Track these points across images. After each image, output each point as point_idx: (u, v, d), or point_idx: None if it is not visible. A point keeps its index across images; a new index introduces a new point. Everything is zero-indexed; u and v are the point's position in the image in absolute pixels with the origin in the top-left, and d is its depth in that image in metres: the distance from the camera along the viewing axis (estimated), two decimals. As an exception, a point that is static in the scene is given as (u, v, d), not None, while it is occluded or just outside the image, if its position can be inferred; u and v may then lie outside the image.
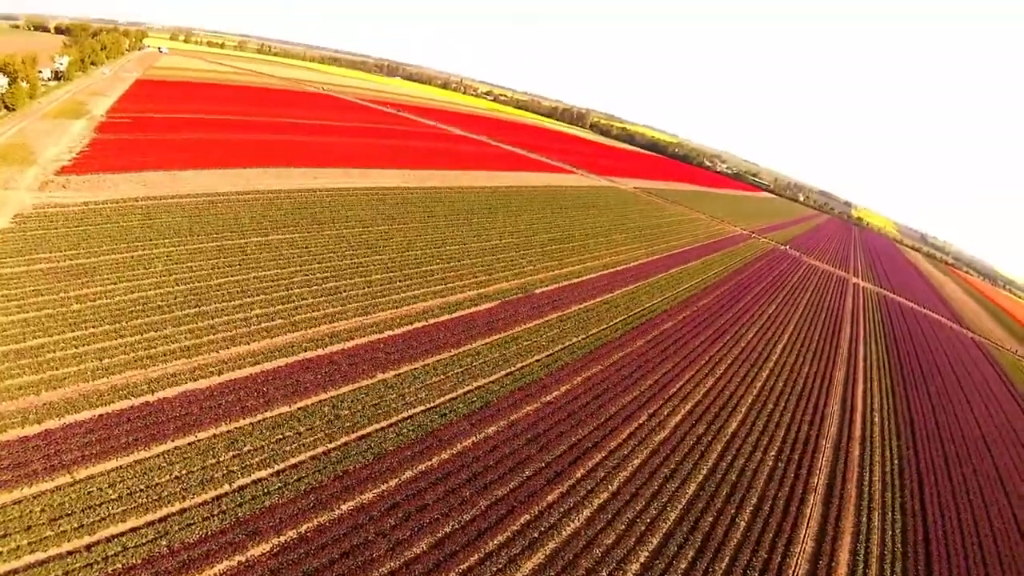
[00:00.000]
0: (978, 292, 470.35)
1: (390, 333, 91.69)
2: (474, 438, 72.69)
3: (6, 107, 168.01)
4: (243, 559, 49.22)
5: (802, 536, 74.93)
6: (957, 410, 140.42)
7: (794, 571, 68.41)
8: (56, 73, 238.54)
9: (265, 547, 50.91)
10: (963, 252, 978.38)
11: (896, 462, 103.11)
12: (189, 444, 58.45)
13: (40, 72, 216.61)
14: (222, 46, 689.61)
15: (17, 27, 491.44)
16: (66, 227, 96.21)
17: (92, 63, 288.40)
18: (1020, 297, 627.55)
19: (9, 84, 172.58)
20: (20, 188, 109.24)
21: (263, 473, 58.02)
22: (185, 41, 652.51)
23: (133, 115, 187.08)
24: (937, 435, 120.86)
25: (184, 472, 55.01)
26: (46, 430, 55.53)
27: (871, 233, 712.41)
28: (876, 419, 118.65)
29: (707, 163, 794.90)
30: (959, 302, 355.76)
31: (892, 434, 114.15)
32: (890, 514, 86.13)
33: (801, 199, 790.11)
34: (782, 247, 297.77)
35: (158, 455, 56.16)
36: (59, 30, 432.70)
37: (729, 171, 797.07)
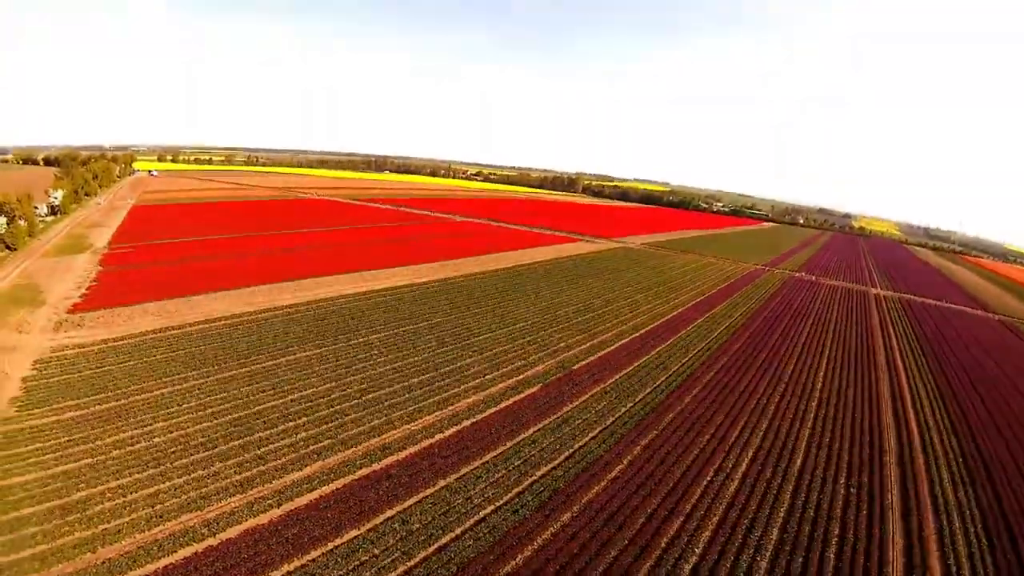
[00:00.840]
0: (993, 273, 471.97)
1: (440, 436, 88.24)
2: (552, 529, 69.18)
3: (7, 247, 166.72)
4: None
5: (891, 556, 73.33)
6: (1005, 394, 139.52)
7: None
8: (52, 208, 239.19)
9: None
10: (968, 237, 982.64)
11: (961, 461, 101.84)
12: (266, 587, 53.88)
13: (36, 208, 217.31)
14: (210, 161, 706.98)
15: (6, 161, 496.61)
16: (89, 369, 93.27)
17: (86, 194, 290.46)
18: None
19: (8, 223, 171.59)
20: (34, 331, 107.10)
21: (349, 607, 53.20)
22: (173, 161, 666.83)
23: (135, 244, 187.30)
24: (993, 424, 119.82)
25: (267, 620, 50.42)
26: None
27: (876, 240, 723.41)
28: (931, 423, 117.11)
29: (703, 205, 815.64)
30: (978, 288, 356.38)
31: (950, 434, 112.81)
32: (968, 513, 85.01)
33: (801, 222, 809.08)
34: (797, 274, 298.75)
35: (237, 605, 51.43)
36: (48, 162, 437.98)
37: (726, 209, 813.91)
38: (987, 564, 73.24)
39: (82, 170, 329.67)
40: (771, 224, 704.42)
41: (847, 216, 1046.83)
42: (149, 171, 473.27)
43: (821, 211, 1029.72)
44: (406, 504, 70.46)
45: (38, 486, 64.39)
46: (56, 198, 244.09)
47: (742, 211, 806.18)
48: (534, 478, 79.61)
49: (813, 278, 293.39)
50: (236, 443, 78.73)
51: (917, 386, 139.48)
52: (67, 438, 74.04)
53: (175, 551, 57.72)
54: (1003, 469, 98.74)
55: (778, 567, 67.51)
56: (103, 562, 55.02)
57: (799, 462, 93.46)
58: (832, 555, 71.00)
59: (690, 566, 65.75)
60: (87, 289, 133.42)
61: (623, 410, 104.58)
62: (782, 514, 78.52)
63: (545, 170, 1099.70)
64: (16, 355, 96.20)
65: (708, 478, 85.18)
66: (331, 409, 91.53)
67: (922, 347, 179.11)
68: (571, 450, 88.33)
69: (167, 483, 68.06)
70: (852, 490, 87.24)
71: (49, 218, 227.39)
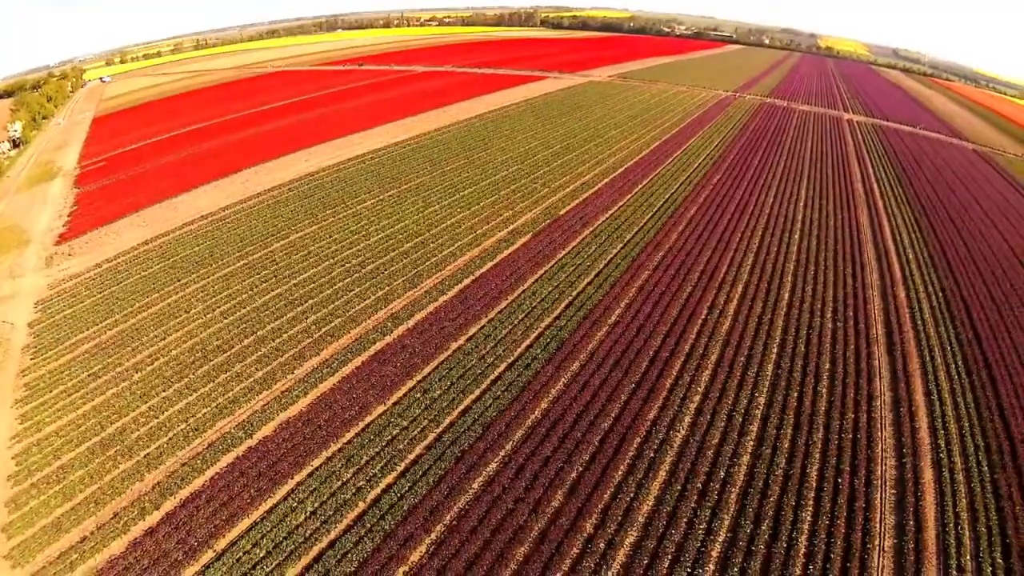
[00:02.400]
0: (966, 98, 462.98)
1: (444, 298, 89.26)
2: (563, 380, 71.76)
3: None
4: (407, 569, 48.48)
5: (879, 389, 75.95)
6: (981, 228, 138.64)
7: (881, 423, 70.02)
8: (14, 141, 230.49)
9: (422, 550, 50.49)
10: (938, 59, 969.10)
11: (941, 294, 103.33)
12: (309, 475, 57.14)
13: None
14: (158, 55, 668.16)
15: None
16: (90, 297, 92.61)
17: (44, 117, 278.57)
18: (1004, 93, 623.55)
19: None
20: (27, 272, 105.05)
21: (389, 479, 57.16)
22: (122, 62, 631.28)
23: (105, 156, 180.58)
24: (970, 258, 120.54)
25: (318, 505, 54.01)
26: (166, 514, 53.92)
27: (845, 61, 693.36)
28: (911, 256, 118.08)
29: (665, 29, 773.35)
30: (951, 114, 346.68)
31: (929, 267, 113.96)
32: (949, 348, 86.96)
33: (767, 42, 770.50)
34: (768, 100, 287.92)
35: (285, 496, 54.91)
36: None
37: (689, 32, 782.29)
38: (967, 399, 75.67)
39: (35, 95, 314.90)
40: (736, 46, 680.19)
41: (813, 36, 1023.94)
42: (101, 78, 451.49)
43: (786, 31, 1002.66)
44: (424, 372, 72.52)
45: (72, 429, 65.17)
46: (16, 130, 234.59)
47: (706, 33, 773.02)
48: (539, 330, 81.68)
49: (785, 103, 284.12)
50: (249, 340, 79.56)
51: (896, 218, 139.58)
52: (87, 373, 74.30)
53: (218, 460, 59.68)
54: (980, 305, 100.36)
55: (775, 403, 70.39)
56: (153, 487, 56.78)
57: (787, 296, 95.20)
58: (824, 389, 73.89)
59: (695, 406, 68.82)
60: (68, 216, 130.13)
61: (614, 252, 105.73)
62: (775, 350, 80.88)
63: (501, 7, 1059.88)
64: (16, 302, 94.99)
65: (702, 317, 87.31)
66: (334, 288, 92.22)
67: (899, 177, 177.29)
68: (570, 298, 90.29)
69: (194, 395, 69.32)
70: (839, 324, 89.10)
71: (13, 152, 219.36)
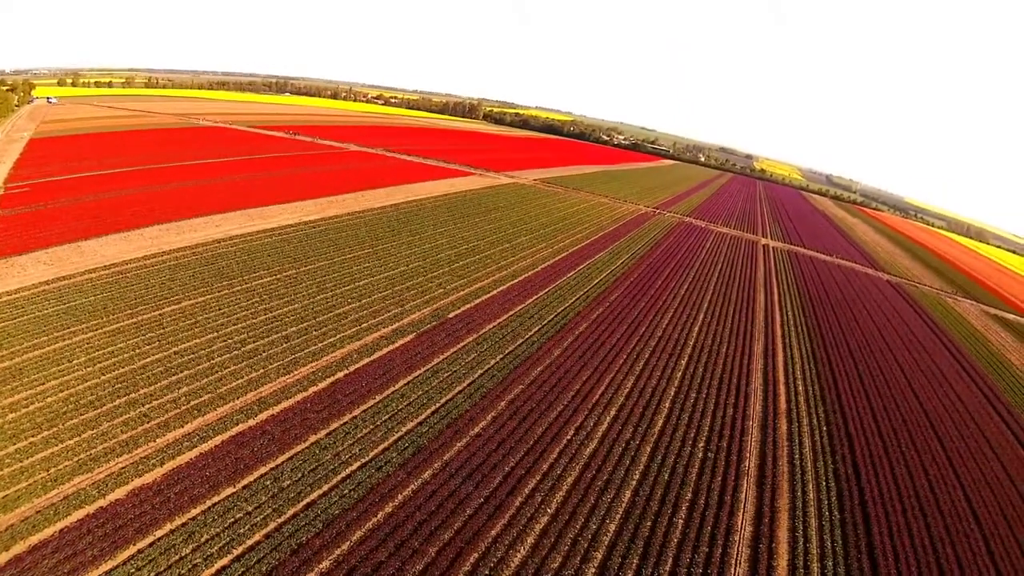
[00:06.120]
0: (891, 228, 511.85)
1: (314, 389, 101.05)
2: (412, 487, 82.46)
3: None
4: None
5: (740, 523, 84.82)
6: (880, 361, 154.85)
7: (736, 558, 78.54)
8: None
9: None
10: (870, 187, 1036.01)
11: (825, 428, 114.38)
12: (150, 545, 67.07)
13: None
14: (109, 84, 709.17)
15: None
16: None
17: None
18: (932, 224, 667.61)
19: None
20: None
21: (224, 561, 67.01)
22: (73, 84, 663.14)
23: (31, 183, 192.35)
24: (862, 391, 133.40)
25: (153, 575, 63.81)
26: (15, 556, 62.94)
27: (775, 185, 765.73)
28: (800, 388, 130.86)
29: (604, 137, 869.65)
30: (872, 244, 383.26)
31: (817, 400, 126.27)
32: (824, 483, 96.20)
33: (702, 159, 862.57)
34: (687, 219, 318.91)
35: (125, 561, 64.58)
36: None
37: (627, 142, 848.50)
38: (835, 536, 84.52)
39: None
40: (671, 161, 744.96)
41: (749, 157, 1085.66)
42: (48, 98, 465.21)
43: (723, 150, 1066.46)
44: (278, 461, 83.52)
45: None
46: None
47: (643, 145, 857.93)
48: (399, 434, 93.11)
49: (704, 224, 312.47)
50: (121, 400, 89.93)
51: (792, 347, 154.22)
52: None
53: (70, 514, 69.79)
54: (865, 441, 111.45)
55: (626, 531, 79.82)
56: (6, 529, 66.14)
57: (660, 422, 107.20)
58: (681, 520, 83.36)
59: (541, 526, 79.10)
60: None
61: (492, 362, 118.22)
62: (636, 476, 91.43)
63: (448, 94, 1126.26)
64: None
65: (568, 437, 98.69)
66: (211, 362, 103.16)
67: (803, 305, 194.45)
68: (437, 404, 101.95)
69: (61, 445, 79.56)
70: (710, 454, 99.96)
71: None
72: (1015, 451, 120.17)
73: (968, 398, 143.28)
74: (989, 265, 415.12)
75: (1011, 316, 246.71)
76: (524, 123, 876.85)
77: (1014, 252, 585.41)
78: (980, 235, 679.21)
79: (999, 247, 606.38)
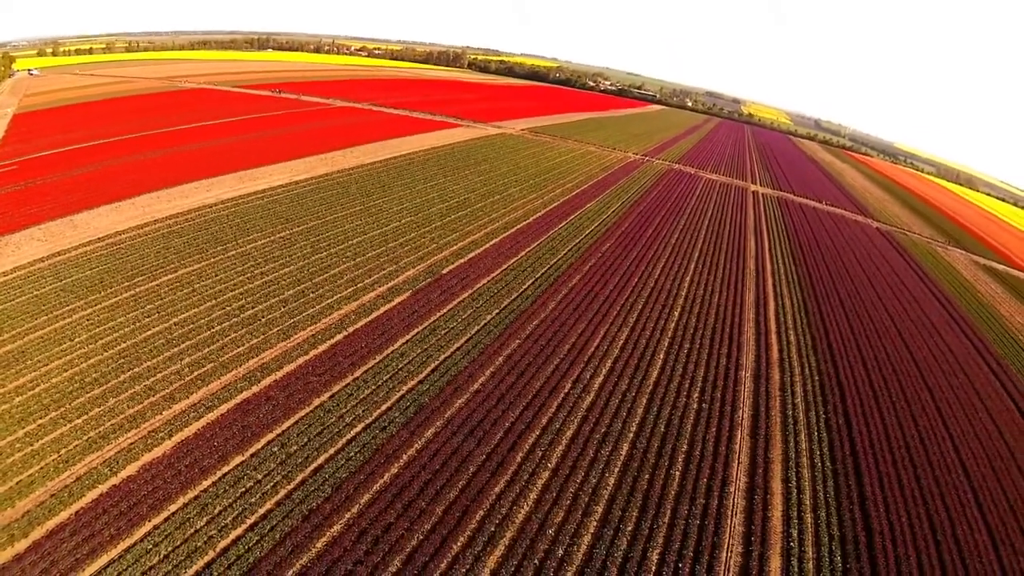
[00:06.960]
0: (880, 174, 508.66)
1: (315, 352, 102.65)
2: (416, 446, 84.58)
3: None
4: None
5: (735, 474, 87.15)
6: (870, 309, 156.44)
7: (732, 509, 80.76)
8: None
9: (259, 604, 63.53)
10: (859, 132, 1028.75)
11: (816, 378, 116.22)
12: (165, 520, 68.99)
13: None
14: (90, 51, 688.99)
15: None
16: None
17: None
18: (921, 170, 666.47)
19: None
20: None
21: (239, 531, 69.11)
22: (53, 54, 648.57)
23: (18, 159, 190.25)
24: (853, 341, 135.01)
25: (170, 550, 65.57)
26: (33, 542, 64.32)
27: (764, 130, 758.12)
28: (792, 338, 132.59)
29: (591, 83, 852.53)
30: (861, 190, 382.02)
31: (809, 349, 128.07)
32: (816, 433, 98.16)
33: (689, 104, 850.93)
34: (676, 166, 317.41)
35: (141, 539, 66.40)
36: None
37: (614, 88, 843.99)
38: (827, 487, 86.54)
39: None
40: (658, 107, 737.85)
41: (736, 101, 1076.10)
42: (29, 71, 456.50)
43: (710, 95, 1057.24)
44: (284, 426, 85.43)
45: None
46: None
47: (629, 91, 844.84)
48: (401, 393, 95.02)
49: (693, 171, 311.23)
50: (126, 376, 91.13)
51: (783, 296, 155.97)
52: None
53: (84, 494, 71.28)
54: (856, 391, 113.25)
55: (624, 484, 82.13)
56: (23, 515, 67.42)
57: (655, 374, 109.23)
58: (678, 472, 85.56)
59: (543, 481, 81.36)
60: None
61: (488, 318, 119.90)
62: (633, 428, 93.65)
63: (431, 44, 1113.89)
64: None
65: (565, 390, 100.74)
66: (211, 331, 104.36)
67: (794, 254, 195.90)
68: (436, 362, 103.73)
69: (69, 425, 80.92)
70: (704, 405, 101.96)
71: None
72: (1003, 402, 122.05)
73: (958, 349, 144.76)
74: (979, 213, 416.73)
75: (1000, 267, 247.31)
76: (509, 70, 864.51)
77: (1003, 200, 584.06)
78: (970, 182, 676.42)
79: (988, 195, 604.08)
